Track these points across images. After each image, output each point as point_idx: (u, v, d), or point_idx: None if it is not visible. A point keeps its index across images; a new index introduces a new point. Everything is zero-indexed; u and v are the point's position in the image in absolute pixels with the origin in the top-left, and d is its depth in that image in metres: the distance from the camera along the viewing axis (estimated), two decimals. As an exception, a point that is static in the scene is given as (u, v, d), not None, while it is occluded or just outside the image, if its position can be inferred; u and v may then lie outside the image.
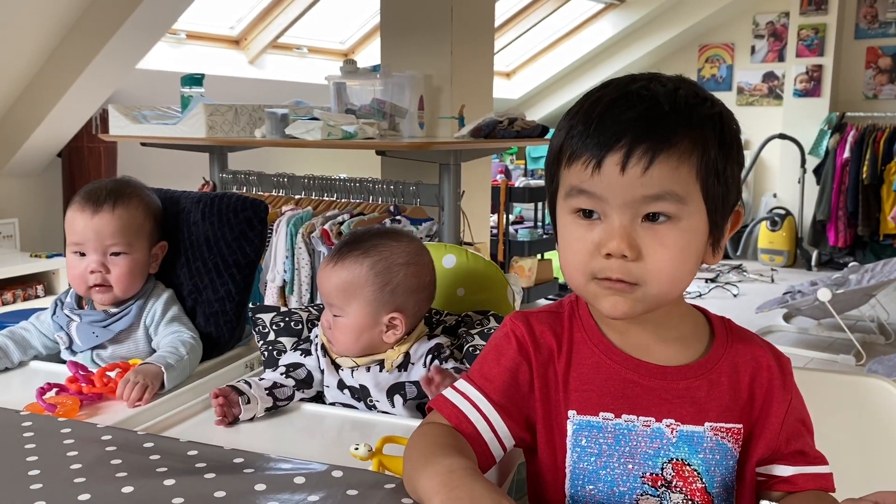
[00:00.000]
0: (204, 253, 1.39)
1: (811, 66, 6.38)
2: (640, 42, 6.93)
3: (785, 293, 4.33)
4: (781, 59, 6.68)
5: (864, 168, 5.83)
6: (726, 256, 6.34)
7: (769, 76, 6.82)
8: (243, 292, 1.40)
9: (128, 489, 0.81)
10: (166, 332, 1.33)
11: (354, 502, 0.80)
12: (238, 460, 0.89)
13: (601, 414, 0.82)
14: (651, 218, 0.76)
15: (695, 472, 0.80)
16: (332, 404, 1.21)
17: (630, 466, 0.81)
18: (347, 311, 1.16)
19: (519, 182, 5.37)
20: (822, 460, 0.85)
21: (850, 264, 4.64)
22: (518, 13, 6.39)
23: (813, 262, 6.10)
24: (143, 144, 3.00)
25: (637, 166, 0.74)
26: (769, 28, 6.78)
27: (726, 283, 5.45)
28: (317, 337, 1.24)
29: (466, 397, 0.86)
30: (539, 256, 4.93)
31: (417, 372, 1.18)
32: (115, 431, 0.97)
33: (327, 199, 2.75)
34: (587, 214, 0.79)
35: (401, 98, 2.81)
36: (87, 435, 0.95)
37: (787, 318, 4.45)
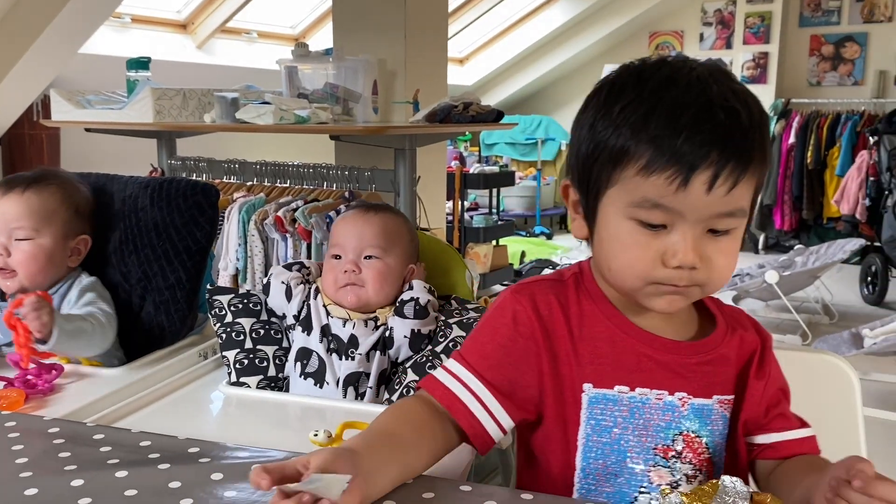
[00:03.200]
0: (153, 239, 1.35)
1: (757, 54, 6.51)
2: (591, 29, 6.99)
3: (734, 276, 4.43)
4: (729, 46, 6.80)
5: (809, 153, 5.98)
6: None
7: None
8: (194, 280, 1.37)
9: (77, 482, 0.78)
10: (77, 306, 1.29)
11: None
12: (193, 450, 0.86)
13: (616, 387, 0.82)
14: (715, 232, 0.77)
15: (703, 443, 0.83)
16: (300, 361, 1.21)
17: (644, 439, 0.82)
18: (391, 253, 1.24)
19: (473, 168, 5.38)
20: (803, 423, 0.87)
21: (796, 247, 4.77)
22: (468, 0, 6.38)
23: (760, 246, 6.25)
24: (88, 130, 2.91)
25: (723, 186, 0.73)
26: (717, 16, 6.89)
27: (677, 267, 5.54)
28: (315, 283, 1.28)
29: (458, 378, 0.83)
30: (494, 242, 4.95)
31: (394, 325, 1.21)
32: (62, 423, 0.93)
33: (280, 185, 2.71)
34: (652, 226, 0.77)
35: (354, 82, 2.77)
36: (34, 427, 0.92)
37: (736, 299, 4.55)
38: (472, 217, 5.13)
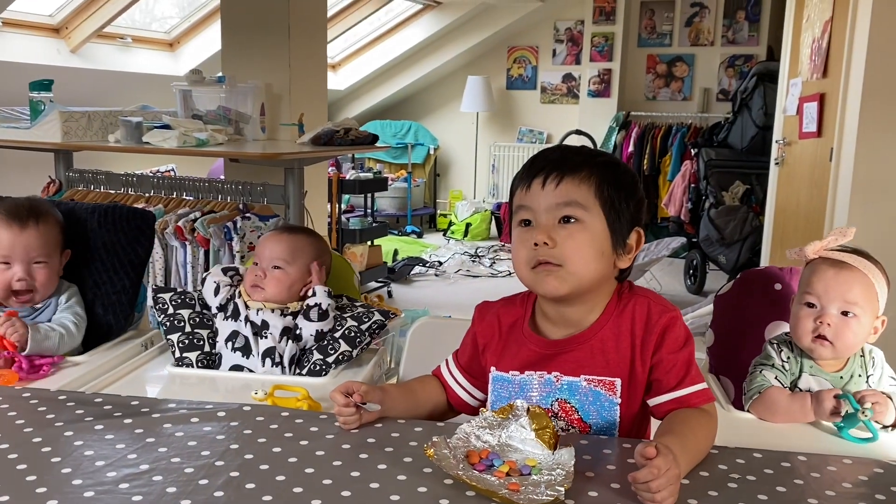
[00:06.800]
0: (102, 255, 1.69)
1: (602, 70, 7.28)
2: (455, 42, 7.52)
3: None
4: (578, 62, 7.55)
5: (645, 160, 6.79)
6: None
7: (568, 77, 7.67)
8: (136, 286, 1.71)
9: (99, 426, 1.15)
10: (57, 316, 1.62)
11: (262, 425, 1.19)
12: (171, 405, 1.25)
13: (511, 372, 1.20)
14: (565, 220, 1.10)
15: (573, 408, 1.15)
16: (231, 340, 1.60)
17: (531, 403, 1.15)
18: (293, 265, 1.63)
19: (350, 175, 5.76)
20: (680, 384, 1.13)
21: (631, 244, 5.47)
22: (345, 8, 6.76)
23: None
24: (-9, 146, 3.06)
25: (552, 183, 1.10)
26: (567, 34, 7.62)
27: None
28: (237, 289, 1.66)
29: (448, 367, 1.31)
30: (370, 243, 5.35)
31: (303, 326, 1.60)
32: (67, 393, 1.28)
33: (176, 197, 3.01)
34: (524, 223, 1.13)
35: (244, 105, 3.11)
36: (44, 396, 1.26)
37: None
38: (348, 219, 5.51)
